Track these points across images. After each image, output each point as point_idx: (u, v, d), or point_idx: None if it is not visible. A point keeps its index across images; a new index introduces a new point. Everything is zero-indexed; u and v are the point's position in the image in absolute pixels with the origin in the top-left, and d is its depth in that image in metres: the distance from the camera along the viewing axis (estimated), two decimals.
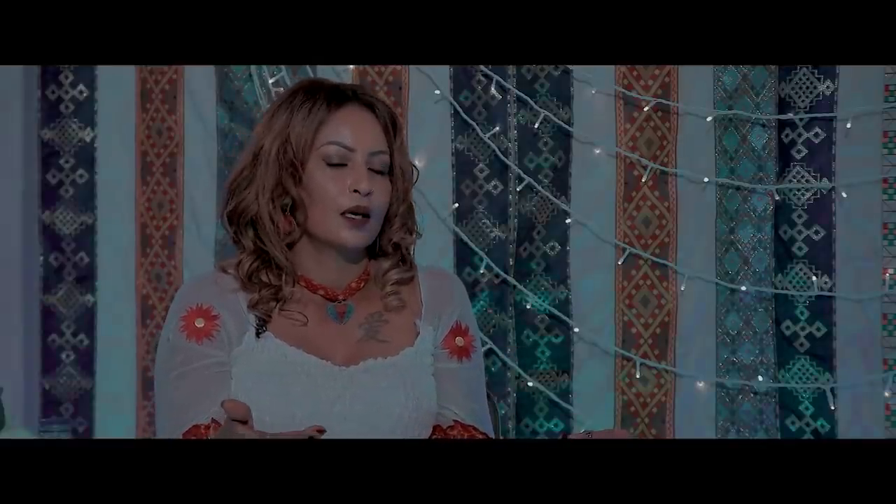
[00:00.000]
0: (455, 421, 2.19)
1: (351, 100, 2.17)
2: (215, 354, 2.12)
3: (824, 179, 2.76)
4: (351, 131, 2.14)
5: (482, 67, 2.91)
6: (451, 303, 2.24)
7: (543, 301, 2.93)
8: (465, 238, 2.93)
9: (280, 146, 2.14)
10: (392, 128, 2.18)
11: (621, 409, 2.92)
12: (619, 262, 2.91)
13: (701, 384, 2.89)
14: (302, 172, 2.13)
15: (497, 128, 2.92)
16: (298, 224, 2.15)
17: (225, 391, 2.10)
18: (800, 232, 2.78)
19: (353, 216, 2.11)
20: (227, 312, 2.14)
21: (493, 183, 2.93)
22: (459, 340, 2.22)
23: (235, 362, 2.12)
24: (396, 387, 2.12)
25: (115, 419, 3.10)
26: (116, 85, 3.12)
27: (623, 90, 2.87)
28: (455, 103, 2.93)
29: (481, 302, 2.93)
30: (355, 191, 2.11)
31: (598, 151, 2.90)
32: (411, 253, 2.26)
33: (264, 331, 2.13)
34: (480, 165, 2.94)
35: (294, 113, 2.15)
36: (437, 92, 2.94)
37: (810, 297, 2.78)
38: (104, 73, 3.12)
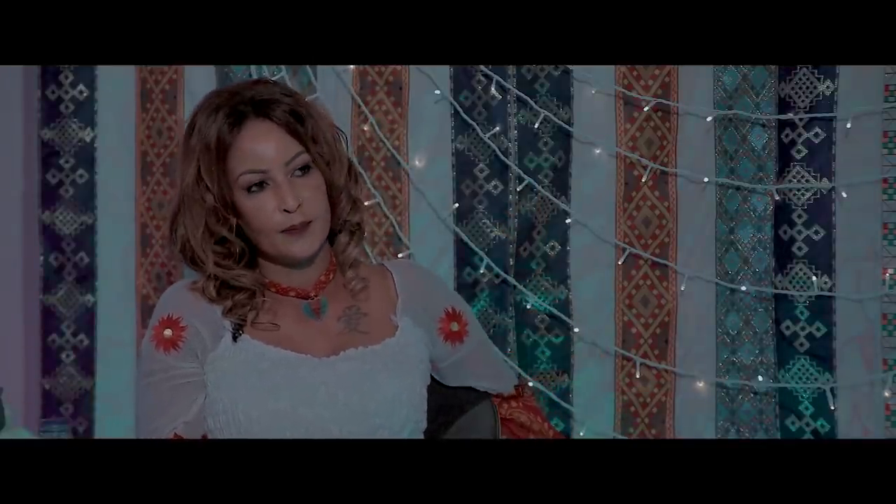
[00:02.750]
0: (499, 394, 2.33)
1: (248, 116, 2.12)
2: (180, 366, 2.14)
3: (824, 179, 2.76)
4: (258, 152, 2.11)
5: (482, 67, 2.91)
6: (431, 295, 2.28)
7: (543, 301, 2.93)
8: (465, 238, 2.93)
9: (197, 186, 2.13)
10: (297, 121, 2.13)
11: (621, 409, 2.92)
12: (619, 262, 2.91)
13: (701, 384, 2.89)
14: (226, 213, 2.13)
15: (497, 128, 2.92)
16: (252, 244, 2.16)
17: (189, 402, 2.13)
18: (800, 232, 2.78)
19: (292, 229, 2.11)
20: (200, 321, 2.16)
21: (493, 183, 2.93)
22: (454, 325, 2.26)
23: (212, 367, 2.14)
24: (379, 371, 2.14)
25: (115, 419, 3.10)
26: (116, 85, 3.11)
27: (623, 90, 2.87)
28: (455, 103, 2.93)
29: (481, 302, 2.93)
30: (285, 209, 2.10)
31: (598, 151, 2.90)
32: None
33: (241, 334, 2.15)
34: (480, 165, 2.94)
35: (198, 146, 2.13)
36: (437, 92, 2.94)
37: (810, 297, 2.78)
38: (104, 73, 3.11)
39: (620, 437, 2.91)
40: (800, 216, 2.78)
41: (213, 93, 2.22)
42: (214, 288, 2.17)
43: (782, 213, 2.80)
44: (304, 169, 2.13)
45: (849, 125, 2.73)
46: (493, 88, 2.91)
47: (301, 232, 2.12)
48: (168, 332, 2.14)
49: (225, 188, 2.12)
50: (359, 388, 2.11)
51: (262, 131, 2.12)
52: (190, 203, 2.13)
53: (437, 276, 2.48)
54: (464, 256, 2.95)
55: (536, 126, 2.91)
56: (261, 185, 2.11)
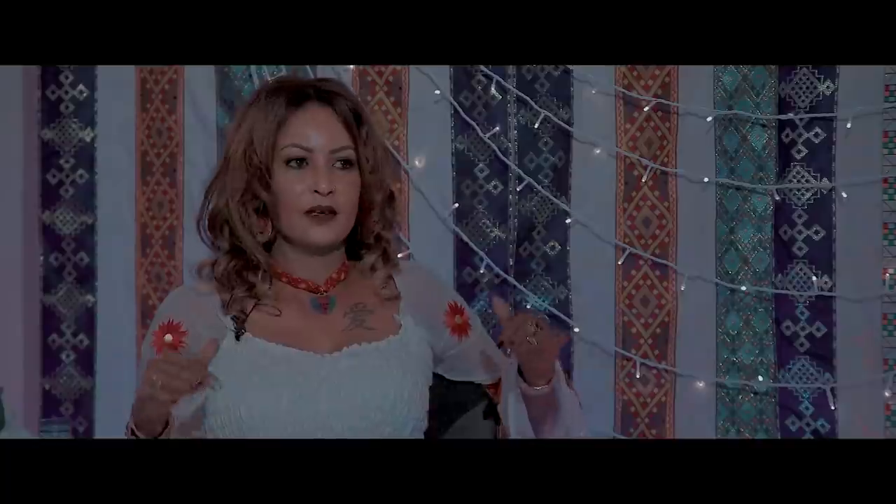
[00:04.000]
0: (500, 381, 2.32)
1: (310, 99, 2.18)
2: None
3: (824, 179, 2.76)
4: (310, 131, 2.16)
5: (482, 67, 2.91)
6: (432, 293, 2.31)
7: (543, 301, 2.93)
8: (465, 238, 2.93)
9: (245, 149, 2.17)
10: (355, 120, 2.18)
11: (621, 409, 2.92)
12: (619, 262, 2.91)
13: (701, 384, 2.89)
14: (269, 177, 2.15)
15: (497, 128, 2.92)
16: (273, 226, 2.18)
17: (186, 405, 2.13)
18: (800, 232, 2.78)
19: (317, 213, 2.13)
20: (201, 324, 2.16)
21: (493, 183, 2.93)
22: (458, 318, 2.27)
23: (213, 366, 2.14)
24: (381, 368, 2.15)
25: (115, 419, 3.09)
26: (116, 85, 3.11)
27: (623, 90, 2.87)
28: (455, 103, 2.93)
29: (481, 302, 2.93)
30: (316, 191, 2.13)
31: (598, 151, 2.90)
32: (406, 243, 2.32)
33: (243, 332, 2.16)
34: (480, 165, 2.94)
35: (256, 116, 2.17)
36: (437, 92, 2.94)
37: (810, 297, 2.78)
38: (104, 73, 3.12)
39: (620, 437, 2.91)
40: (800, 216, 2.78)
41: (277, 78, 2.31)
42: (224, 269, 2.18)
43: (782, 213, 2.80)
44: (347, 163, 2.17)
45: (849, 125, 2.73)
46: (493, 88, 2.91)
47: (325, 220, 2.14)
48: (168, 338, 2.16)
49: (270, 158, 2.14)
50: (362, 384, 2.12)
51: (320, 116, 2.18)
52: (235, 166, 2.16)
53: (436, 275, 2.50)
54: (464, 256, 2.95)
55: (536, 126, 2.91)
56: (301, 162, 2.15)
